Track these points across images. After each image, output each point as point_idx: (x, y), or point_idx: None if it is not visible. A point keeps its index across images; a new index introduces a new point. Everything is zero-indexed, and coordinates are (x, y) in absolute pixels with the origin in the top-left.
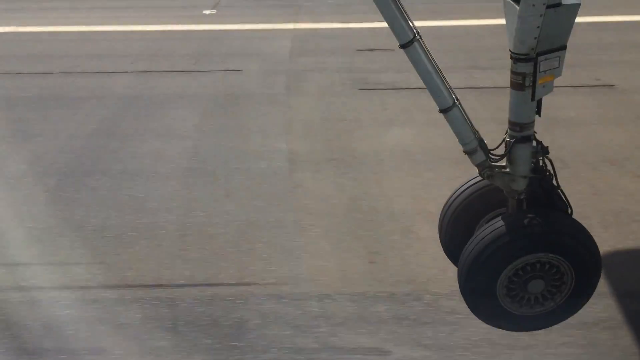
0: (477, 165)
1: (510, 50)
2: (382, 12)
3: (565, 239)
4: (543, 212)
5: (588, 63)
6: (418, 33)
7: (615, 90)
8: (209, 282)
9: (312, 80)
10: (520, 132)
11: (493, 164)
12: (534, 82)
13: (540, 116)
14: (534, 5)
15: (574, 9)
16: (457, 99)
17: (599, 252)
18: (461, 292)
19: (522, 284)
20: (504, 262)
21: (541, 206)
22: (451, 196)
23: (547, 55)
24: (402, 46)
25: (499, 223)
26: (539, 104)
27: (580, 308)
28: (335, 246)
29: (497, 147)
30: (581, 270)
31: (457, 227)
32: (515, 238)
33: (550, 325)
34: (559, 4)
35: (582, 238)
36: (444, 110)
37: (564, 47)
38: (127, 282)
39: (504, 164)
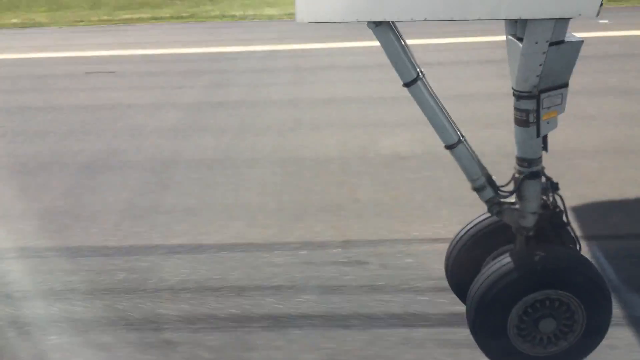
0: (486, 202)
1: (512, 88)
2: (385, 51)
3: (573, 276)
4: (551, 249)
5: None
6: (421, 71)
7: None
8: None
9: None
10: (529, 168)
11: (502, 200)
12: (538, 118)
13: (547, 151)
14: (537, 42)
15: (577, 46)
16: (462, 135)
17: (609, 290)
18: (470, 330)
19: (533, 323)
20: (512, 299)
21: (550, 242)
22: (458, 233)
23: (550, 93)
24: (406, 85)
25: (506, 259)
26: (545, 140)
27: (595, 347)
28: None
29: (507, 184)
30: (592, 307)
31: (464, 264)
32: (523, 274)
33: None
34: (562, 42)
35: (590, 275)
36: (449, 147)
37: (566, 85)
38: None
39: (513, 200)
